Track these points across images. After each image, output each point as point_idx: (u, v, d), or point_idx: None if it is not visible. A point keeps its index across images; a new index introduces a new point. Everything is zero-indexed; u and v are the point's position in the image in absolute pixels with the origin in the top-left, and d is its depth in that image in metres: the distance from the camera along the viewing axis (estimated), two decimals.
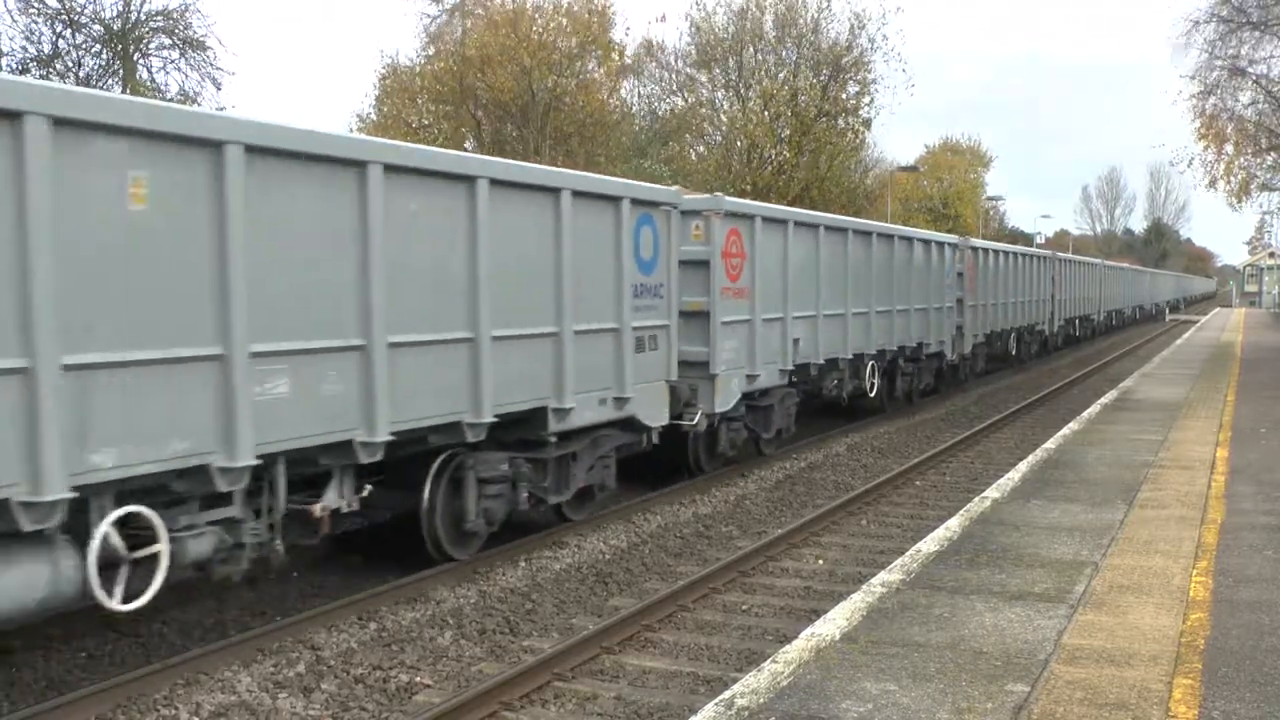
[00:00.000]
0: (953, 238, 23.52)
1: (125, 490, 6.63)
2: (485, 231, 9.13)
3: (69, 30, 28.11)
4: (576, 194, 10.33)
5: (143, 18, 29.17)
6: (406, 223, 8.38)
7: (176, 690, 7.08)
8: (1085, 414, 16.95)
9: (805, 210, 19.47)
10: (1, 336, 5.83)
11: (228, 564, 7.56)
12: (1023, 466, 12.00)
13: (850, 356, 17.21)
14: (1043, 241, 79.14)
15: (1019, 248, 31.46)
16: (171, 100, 27.67)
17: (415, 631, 8.34)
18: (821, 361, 16.20)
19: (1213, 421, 15.47)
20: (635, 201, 11.29)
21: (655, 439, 12.08)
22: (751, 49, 37.32)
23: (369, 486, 8.65)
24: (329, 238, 7.78)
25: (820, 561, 10.58)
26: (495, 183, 9.24)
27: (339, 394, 7.88)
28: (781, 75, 37.14)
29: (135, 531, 6.70)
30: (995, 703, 5.11)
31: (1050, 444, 13.66)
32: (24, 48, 27.55)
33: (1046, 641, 6.00)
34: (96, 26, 28.57)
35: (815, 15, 37.17)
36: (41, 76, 26.49)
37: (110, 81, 28.15)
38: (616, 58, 31.81)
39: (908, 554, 8.11)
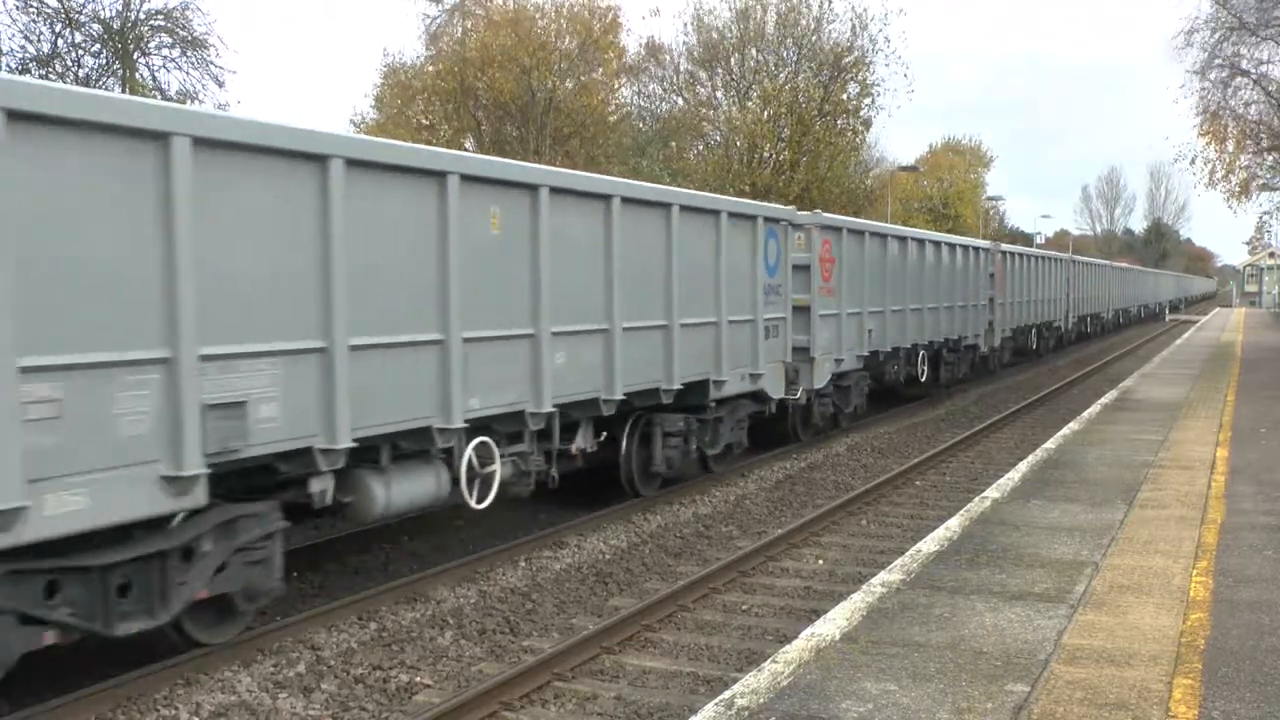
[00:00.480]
0: (985, 243, 26.10)
1: (474, 427, 9.36)
2: (676, 245, 12.13)
3: (68, 29, 28.09)
4: (730, 215, 13.41)
5: (142, 16, 29.17)
6: (635, 241, 11.45)
7: (176, 690, 7.08)
8: (1085, 414, 16.95)
9: (876, 222, 22.35)
10: (430, 320, 8.79)
11: (517, 485, 10.25)
12: (1023, 466, 12.00)
13: (908, 346, 19.90)
14: (1042, 241, 79.18)
15: (1040, 251, 34.13)
16: (171, 99, 27.67)
17: (415, 631, 8.34)
18: (888, 350, 18.95)
19: (1213, 421, 15.47)
20: (766, 219, 14.36)
21: (774, 408, 14.91)
22: (753, 49, 37.32)
23: (604, 434, 11.77)
24: (590, 253, 10.83)
25: (820, 561, 10.58)
26: (684, 208, 12.37)
27: (591, 364, 10.88)
28: (782, 75, 37.14)
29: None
30: (995, 703, 5.11)
31: (1050, 444, 13.66)
32: (23, 47, 27.53)
33: (1046, 641, 5.99)
34: (96, 25, 28.56)
35: (817, 15, 37.18)
36: (41, 76, 26.48)
37: (110, 81, 28.15)
38: (614, 59, 31.82)
39: (908, 554, 8.11)
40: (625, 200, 11.20)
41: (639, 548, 11.01)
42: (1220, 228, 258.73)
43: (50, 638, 6.45)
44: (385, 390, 8.31)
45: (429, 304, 8.73)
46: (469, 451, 9.32)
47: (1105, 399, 19.00)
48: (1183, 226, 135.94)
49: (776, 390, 14.65)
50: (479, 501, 9.46)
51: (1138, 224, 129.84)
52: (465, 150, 26.88)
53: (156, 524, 6.80)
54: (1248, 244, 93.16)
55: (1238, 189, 30.93)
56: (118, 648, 7.95)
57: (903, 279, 19.87)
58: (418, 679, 7.43)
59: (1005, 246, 29.38)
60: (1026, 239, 76.38)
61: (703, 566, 10.18)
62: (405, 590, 9.17)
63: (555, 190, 10.13)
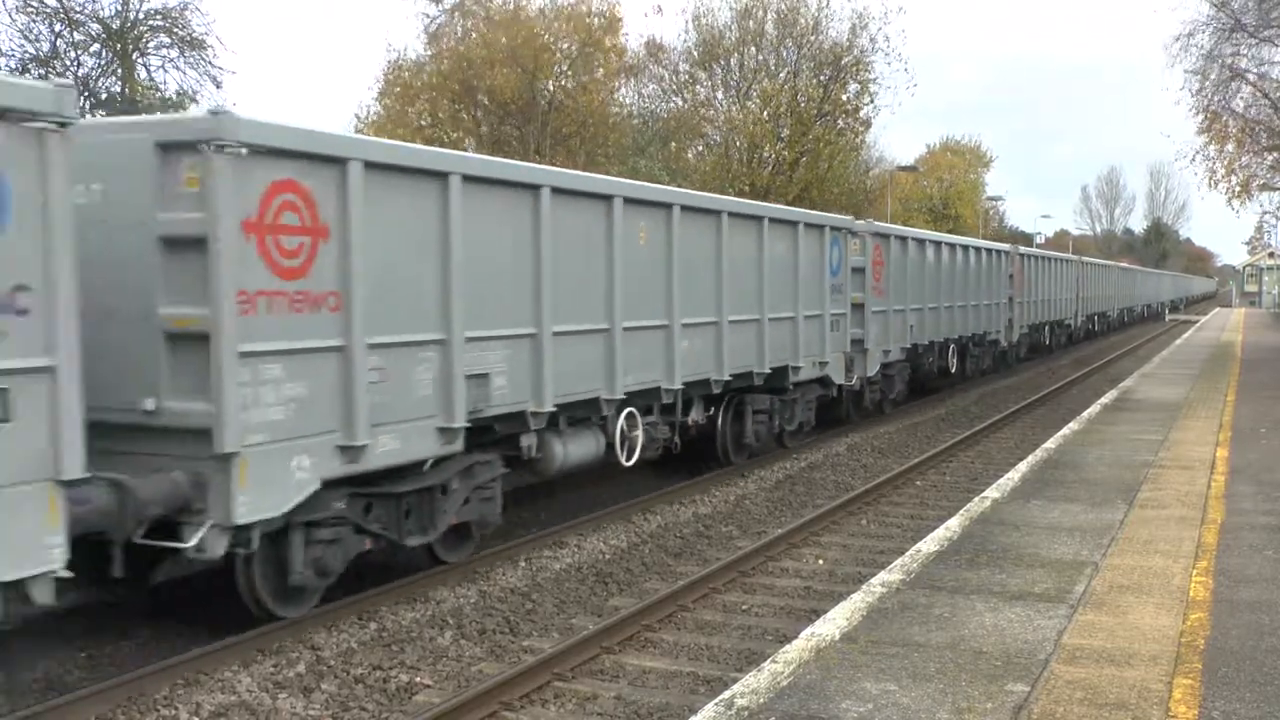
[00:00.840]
0: (1005, 246, 28.22)
1: (623, 401, 11.55)
2: (766, 252, 14.44)
3: (67, 29, 28.08)
4: (805, 225, 15.76)
5: (141, 16, 29.15)
6: (738, 249, 13.77)
7: (176, 690, 7.08)
8: (1085, 414, 16.95)
9: (918, 229, 25.16)
10: (601, 313, 11.13)
11: (649, 450, 12.33)
12: (1023, 466, 12.00)
13: (941, 340, 22.06)
14: (1042, 241, 79.14)
15: (1054, 253, 36.57)
16: (170, 99, 27.66)
17: (415, 631, 8.34)
18: (926, 343, 21.14)
19: (1213, 421, 15.47)
20: (831, 228, 16.87)
21: (835, 392, 17.31)
22: (753, 48, 37.30)
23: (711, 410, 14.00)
24: (705, 259, 13.12)
25: (820, 561, 10.58)
26: (772, 220, 14.78)
27: (705, 351, 13.15)
28: (782, 75, 37.12)
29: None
30: (995, 703, 5.11)
31: (1050, 444, 13.66)
32: (21, 46, 27.51)
33: (1046, 641, 5.99)
34: (95, 25, 28.54)
35: (816, 14, 37.15)
36: (40, 76, 26.48)
37: (109, 81, 28.14)
38: (615, 59, 31.81)
39: (908, 554, 8.11)
40: (730, 214, 13.64)
41: (639, 548, 11.01)
42: (1220, 228, 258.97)
43: (368, 544, 8.72)
44: (573, 367, 10.66)
45: (601, 300, 11.15)
46: (621, 419, 11.67)
47: (1105, 399, 19.00)
48: (1183, 226, 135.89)
49: (839, 376, 17.11)
50: (627, 460, 11.84)
51: (1138, 224, 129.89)
52: (466, 151, 26.92)
53: (421, 465, 8.99)
54: (1248, 244, 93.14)
55: (1238, 189, 30.93)
56: (118, 648, 7.95)
57: (937, 280, 22.18)
58: (418, 679, 7.43)
59: (1023, 249, 31.45)
60: (1026, 239, 76.31)
61: (703, 566, 10.18)
62: (405, 590, 9.17)
63: (685, 209, 12.64)
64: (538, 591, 9.42)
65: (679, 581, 9.46)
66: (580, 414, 11.05)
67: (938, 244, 22.71)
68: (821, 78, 37.16)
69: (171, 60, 29.83)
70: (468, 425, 9.18)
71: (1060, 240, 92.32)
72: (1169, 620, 6.37)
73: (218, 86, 31.07)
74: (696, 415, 13.54)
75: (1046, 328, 34.76)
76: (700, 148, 38.12)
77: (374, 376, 8.21)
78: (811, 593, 9.46)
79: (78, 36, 28.32)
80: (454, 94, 29.16)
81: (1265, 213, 43.75)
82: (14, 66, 26.75)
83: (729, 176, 35.21)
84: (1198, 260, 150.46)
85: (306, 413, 7.76)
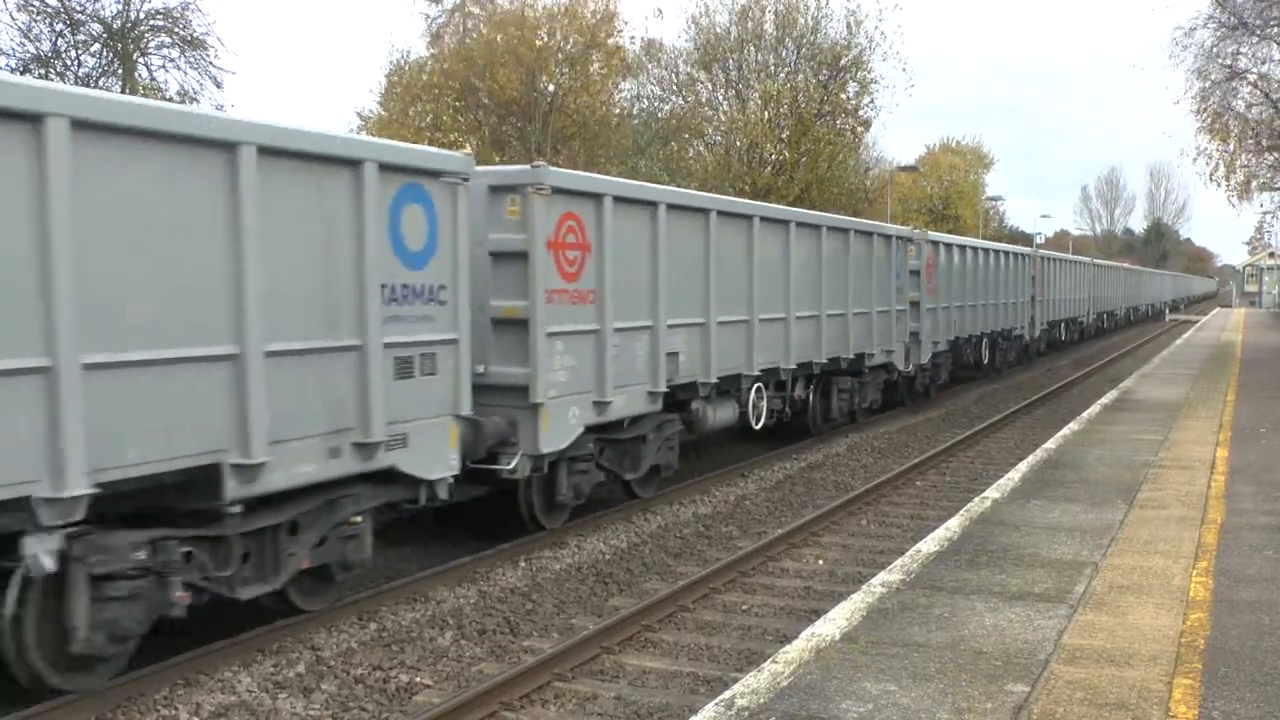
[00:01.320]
0: (1027, 249, 30.91)
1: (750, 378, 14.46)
2: (851, 258, 17.52)
3: (68, 29, 28.06)
4: (879, 236, 18.94)
5: (142, 16, 29.13)
6: (833, 255, 16.79)
7: (176, 690, 7.08)
8: (1085, 414, 16.94)
9: (960, 236, 27.91)
10: (743, 306, 13.97)
11: (768, 419, 15.00)
12: (1023, 466, 11.99)
13: (978, 334, 24.58)
14: (1042, 241, 78.94)
15: (1069, 255, 40.15)
16: (170, 100, 27.64)
17: (415, 631, 8.34)
18: (965, 336, 23.69)
19: (1213, 421, 15.46)
20: (898, 238, 20.00)
21: (895, 376, 20.14)
22: (752, 49, 37.27)
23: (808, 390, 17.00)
24: (809, 263, 16.10)
25: (820, 561, 10.58)
26: (857, 232, 17.91)
27: (808, 339, 16.09)
28: (782, 75, 37.11)
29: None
30: (995, 703, 5.11)
31: (1050, 444, 13.66)
32: (22, 45, 27.49)
33: (1046, 641, 5.99)
34: (96, 25, 28.53)
35: (814, 14, 37.13)
36: (40, 76, 26.47)
37: (110, 81, 28.11)
38: (618, 61, 31.80)
39: (908, 554, 8.11)
40: (828, 228, 16.78)
41: (639, 548, 11.00)
42: (1220, 228, 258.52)
43: (602, 477, 11.63)
44: (727, 348, 13.65)
45: (744, 298, 14.03)
46: (752, 392, 14.55)
47: (1105, 399, 18.99)
48: (1182, 226, 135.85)
49: (900, 363, 19.95)
50: (756, 424, 14.72)
51: (1138, 224, 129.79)
52: (466, 151, 26.94)
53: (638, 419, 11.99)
54: (1248, 244, 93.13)
55: (1238, 188, 30.93)
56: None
57: (975, 281, 25.08)
58: (418, 679, 7.43)
59: (1043, 252, 34.38)
60: (1026, 239, 76.28)
61: (703, 566, 10.18)
62: (405, 590, 9.17)
63: (799, 225, 15.72)
64: (538, 591, 9.42)
65: (679, 581, 9.46)
66: (725, 387, 13.91)
67: (975, 249, 25.62)
68: (821, 77, 37.15)
69: (172, 60, 29.83)
70: (665, 390, 12.14)
71: (1060, 240, 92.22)
72: (1169, 620, 6.36)
73: (218, 86, 31.09)
74: (800, 391, 16.41)
75: (1062, 324, 38.04)
76: (700, 148, 38.10)
77: (614, 352, 11.27)
78: (812, 593, 9.46)
79: (78, 36, 28.32)
80: (455, 94, 29.15)
81: (1265, 212, 43.70)
82: (14, 66, 26.74)
83: (729, 176, 35.20)
84: (1198, 260, 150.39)
85: (578, 377, 10.80)
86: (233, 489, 7.13)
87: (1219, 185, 30.46)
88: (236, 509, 7.25)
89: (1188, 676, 5.47)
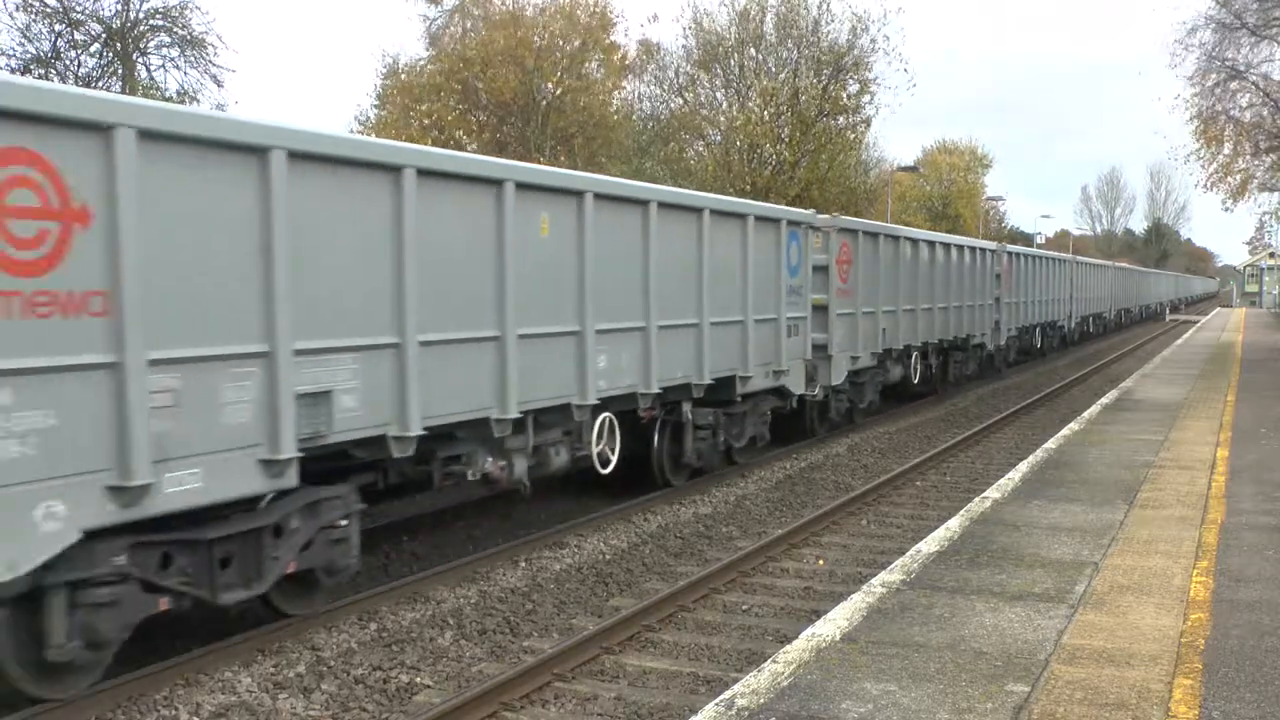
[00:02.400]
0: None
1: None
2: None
3: (68, 29, 28.05)
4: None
5: (142, 15, 29.12)
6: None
7: (176, 690, 7.08)
8: (1085, 414, 16.94)
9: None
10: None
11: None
12: (1023, 467, 11.99)
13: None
14: (1043, 241, 79.12)
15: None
16: (170, 99, 27.64)
17: (415, 631, 8.33)
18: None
19: (1213, 422, 15.46)
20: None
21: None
22: (752, 49, 37.27)
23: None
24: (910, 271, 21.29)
25: (820, 562, 10.58)
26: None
27: (894, 327, 19.75)
28: (782, 76, 37.10)
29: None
30: (995, 703, 5.11)
31: (1051, 444, 13.66)
32: (22, 45, 27.48)
33: (1047, 642, 5.99)
34: (95, 25, 28.52)
35: (815, 16, 37.13)
36: (40, 76, 26.45)
37: (110, 81, 28.11)
38: (617, 60, 31.82)
39: (908, 554, 8.10)
40: (667, 207, 13.26)
41: (639, 548, 11.00)
42: (1220, 228, 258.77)
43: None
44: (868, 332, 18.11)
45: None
46: (1006, 339, 23.23)
47: (1105, 399, 18.99)
48: (1183, 227, 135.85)
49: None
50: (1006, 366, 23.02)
51: (1138, 224, 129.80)
52: (466, 150, 26.97)
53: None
54: (1248, 244, 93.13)
55: (1236, 190, 30.92)
56: (118, 648, 7.95)
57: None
58: (418, 679, 7.43)
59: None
60: (1026, 239, 76.33)
61: (703, 566, 10.18)
62: (405, 590, 9.17)
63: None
64: (538, 591, 9.41)
65: (679, 581, 9.46)
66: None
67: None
68: (821, 77, 37.16)
69: (172, 60, 29.82)
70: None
71: (1061, 240, 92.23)
72: (1169, 620, 6.36)
73: (219, 85, 31.09)
74: (901, 372, 20.93)
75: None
76: (700, 148, 38.11)
77: (866, 324, 17.98)
78: (812, 593, 9.46)
79: (78, 36, 28.31)
80: (455, 94, 29.17)
81: (1265, 213, 43.71)
82: (14, 67, 26.73)
83: (730, 176, 35.21)
84: (1198, 260, 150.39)
85: (850, 340, 17.74)
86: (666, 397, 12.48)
87: (1214, 189, 30.46)
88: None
89: (1188, 676, 5.46)
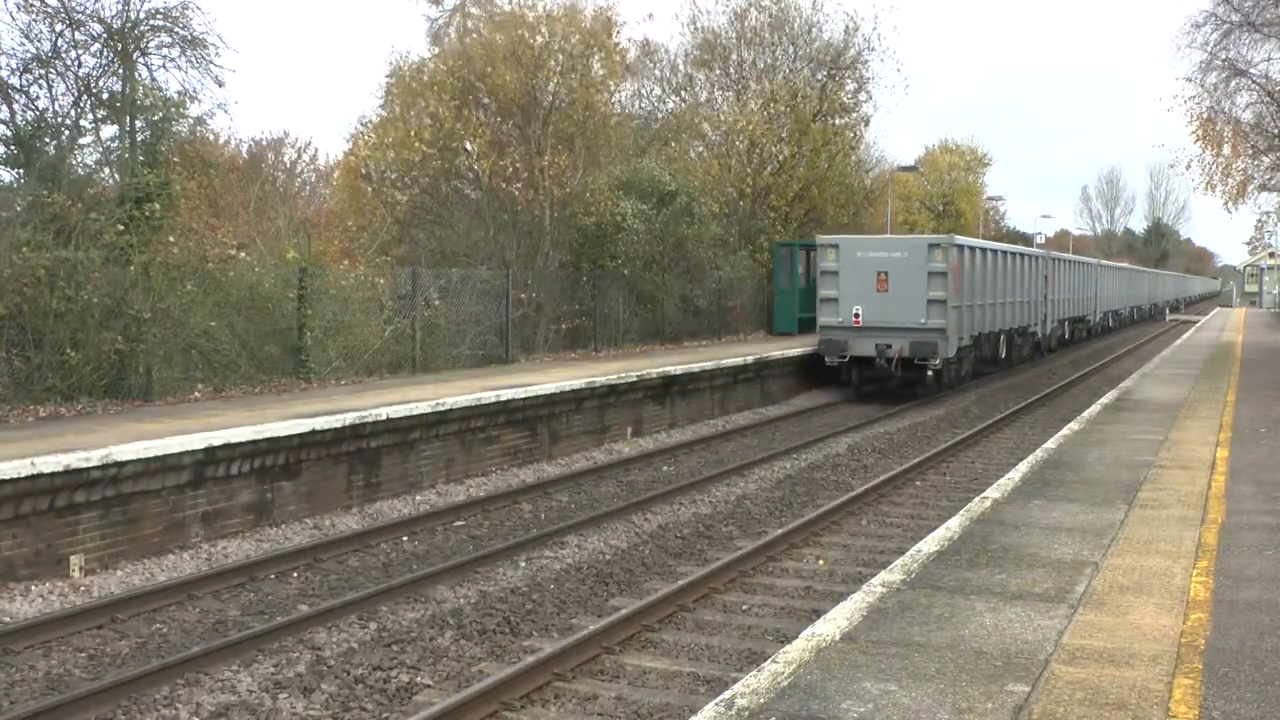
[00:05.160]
0: (1040, 251, 38.02)
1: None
2: (1015, 270, 29.22)
3: (69, 29, 28.03)
4: (1026, 256, 30.27)
5: (143, 16, 29.07)
6: (996, 269, 27.76)
7: (177, 690, 7.08)
8: (1085, 414, 16.93)
9: (983, 240, 32.47)
10: (990, 299, 28.83)
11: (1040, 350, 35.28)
12: (1023, 466, 11.98)
13: (996, 331, 27.96)
14: (1042, 241, 79.04)
15: (1115, 264, 53.59)
16: (170, 99, 27.62)
17: (415, 631, 8.34)
18: (985, 333, 26.74)
19: (1213, 421, 15.46)
20: (1040, 257, 31.40)
21: (1035, 339, 31.99)
22: (749, 50, 37.23)
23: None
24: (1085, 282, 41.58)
25: (820, 561, 10.58)
26: (1010, 254, 28.76)
27: (981, 318, 26.07)
28: (780, 76, 37.08)
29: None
30: (995, 703, 5.11)
31: (1050, 444, 13.65)
32: (22, 45, 27.43)
33: (1047, 641, 5.99)
34: (96, 25, 28.47)
35: (808, 18, 37.12)
36: (41, 76, 26.39)
37: (111, 81, 28.06)
38: (618, 59, 31.77)
39: (908, 554, 8.10)
40: (1060, 261, 34.98)
41: (639, 548, 11.00)
42: (1220, 228, 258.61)
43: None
44: (1003, 315, 28.27)
45: (1000, 292, 28.43)
46: (1050, 329, 33.95)
47: (1105, 399, 18.98)
48: (1183, 226, 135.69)
49: (1049, 335, 33.90)
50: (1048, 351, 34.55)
51: (1138, 224, 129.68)
52: (466, 150, 26.97)
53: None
54: (1248, 244, 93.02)
55: (1235, 191, 30.89)
56: (118, 648, 7.95)
57: (994, 281, 27.08)
58: (418, 679, 7.43)
59: (1105, 262, 46.87)
60: (1026, 239, 76.33)
61: (703, 566, 10.18)
62: (405, 590, 9.17)
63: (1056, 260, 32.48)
64: (538, 591, 9.41)
65: (679, 581, 9.46)
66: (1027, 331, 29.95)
67: (995, 251, 27.99)
68: (819, 77, 37.14)
69: (173, 60, 29.76)
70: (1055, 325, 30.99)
71: (1060, 240, 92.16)
72: (1169, 620, 6.36)
73: (220, 85, 31.02)
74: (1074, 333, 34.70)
75: (1111, 315, 46.63)
76: (700, 148, 38.07)
77: (969, 314, 24.41)
78: (812, 593, 9.46)
79: (79, 36, 28.26)
80: (456, 93, 29.15)
81: (1265, 213, 43.69)
82: (15, 66, 26.68)
83: (730, 176, 35.18)
84: (1198, 260, 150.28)
85: (961, 322, 24.33)
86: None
87: (1212, 191, 30.43)
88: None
89: (1188, 676, 5.46)
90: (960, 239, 25.55)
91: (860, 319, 23.45)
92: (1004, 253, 28.92)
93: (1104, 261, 56.62)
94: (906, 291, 23.06)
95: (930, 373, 22.98)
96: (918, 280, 23.06)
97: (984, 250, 26.90)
